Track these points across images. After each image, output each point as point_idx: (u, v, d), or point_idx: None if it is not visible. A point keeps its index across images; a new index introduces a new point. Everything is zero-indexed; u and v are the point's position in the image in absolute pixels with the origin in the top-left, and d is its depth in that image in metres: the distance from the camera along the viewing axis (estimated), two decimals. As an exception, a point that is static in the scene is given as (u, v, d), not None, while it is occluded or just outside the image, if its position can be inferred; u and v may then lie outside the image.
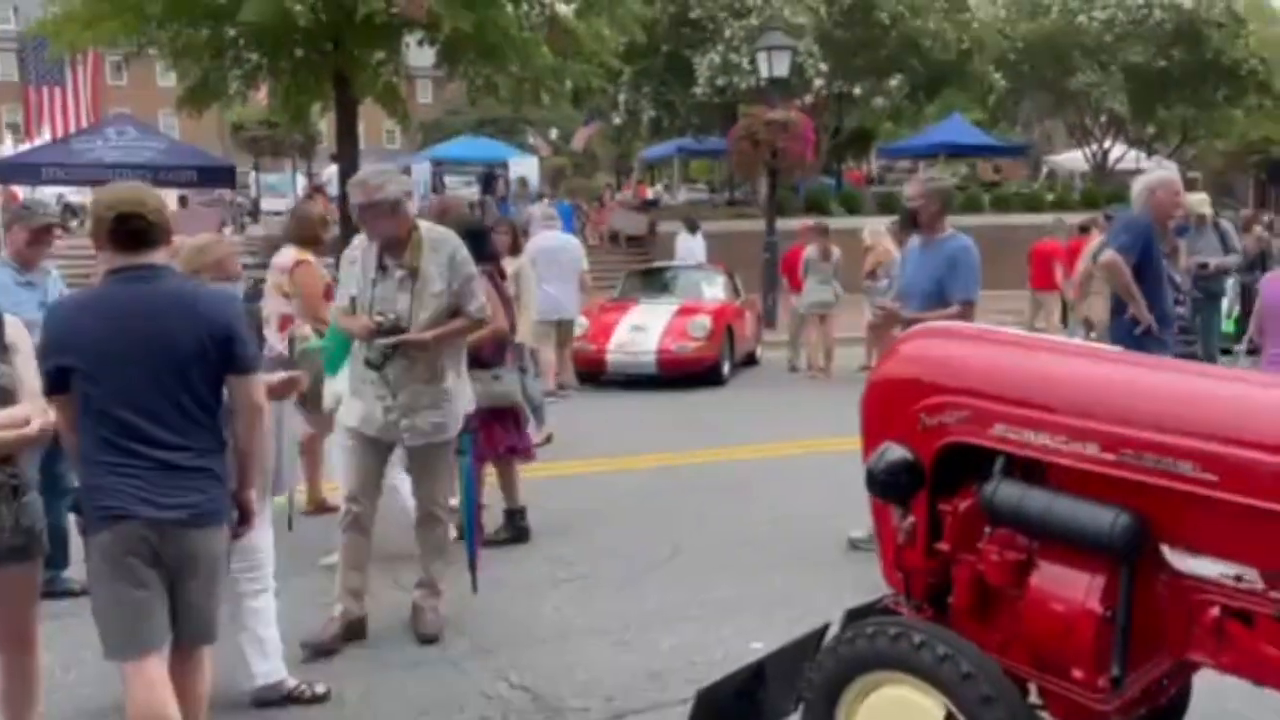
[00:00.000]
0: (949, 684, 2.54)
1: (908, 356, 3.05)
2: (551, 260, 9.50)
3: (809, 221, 13.11)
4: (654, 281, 13.00)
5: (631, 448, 7.84)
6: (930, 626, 2.70)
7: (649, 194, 27.96)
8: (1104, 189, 25.00)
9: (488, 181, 26.65)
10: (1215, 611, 2.44)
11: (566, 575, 5.16)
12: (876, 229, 11.37)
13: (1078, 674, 2.57)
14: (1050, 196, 24.19)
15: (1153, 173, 5.37)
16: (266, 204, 27.66)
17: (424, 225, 4.32)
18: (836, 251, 11.81)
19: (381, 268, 4.22)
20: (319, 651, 4.14)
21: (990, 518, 2.74)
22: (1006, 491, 2.68)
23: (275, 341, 5.81)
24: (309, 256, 5.87)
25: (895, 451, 2.81)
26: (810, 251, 11.95)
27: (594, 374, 11.17)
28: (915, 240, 5.60)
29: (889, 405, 2.99)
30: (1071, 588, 2.58)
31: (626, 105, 23.06)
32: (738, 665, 4.01)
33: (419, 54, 15.98)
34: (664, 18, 20.46)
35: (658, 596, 4.88)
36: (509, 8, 14.30)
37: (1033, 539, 2.69)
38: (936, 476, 2.85)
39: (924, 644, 2.59)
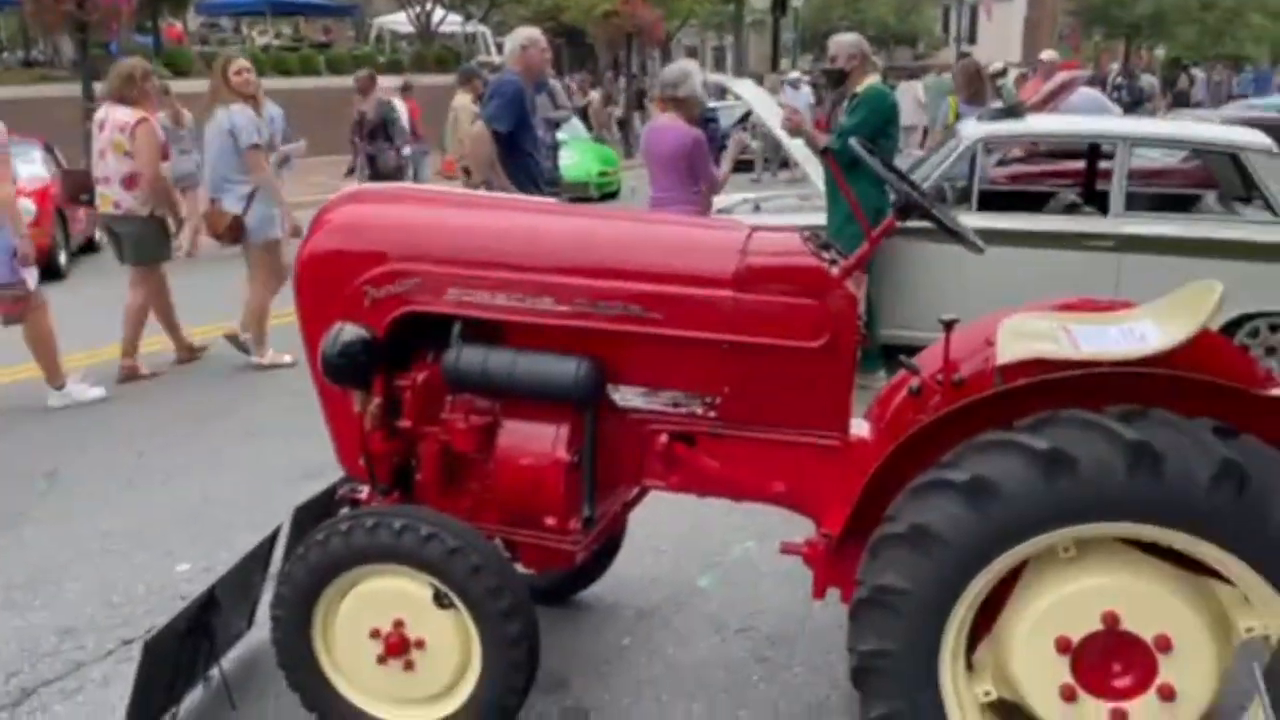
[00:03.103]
0: (436, 563, 2.45)
1: (339, 226, 2.75)
2: None
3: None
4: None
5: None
6: (409, 509, 2.57)
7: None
8: (431, 51, 25.85)
9: None
10: (664, 439, 2.64)
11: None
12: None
13: (550, 521, 2.64)
14: (382, 59, 24.36)
15: (522, 30, 5.52)
16: None
17: None
18: (188, 115, 10.59)
19: None
20: None
21: (453, 385, 2.66)
22: (470, 356, 2.60)
23: (126, 201, 5.95)
24: (147, 114, 5.92)
25: (350, 331, 2.57)
26: (162, 119, 10.57)
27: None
28: None
29: (327, 281, 2.70)
30: (539, 441, 2.61)
31: None
32: (166, 593, 3.56)
33: None
34: None
35: (44, 538, 4.07)
36: None
37: (496, 400, 2.66)
38: (389, 352, 2.67)
39: (405, 528, 2.46)
